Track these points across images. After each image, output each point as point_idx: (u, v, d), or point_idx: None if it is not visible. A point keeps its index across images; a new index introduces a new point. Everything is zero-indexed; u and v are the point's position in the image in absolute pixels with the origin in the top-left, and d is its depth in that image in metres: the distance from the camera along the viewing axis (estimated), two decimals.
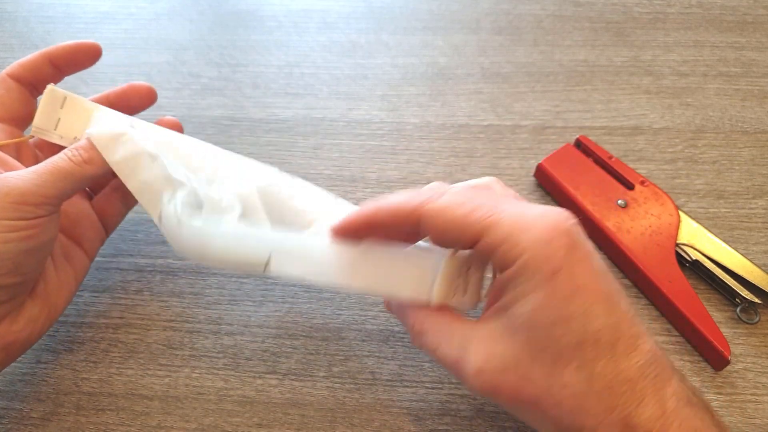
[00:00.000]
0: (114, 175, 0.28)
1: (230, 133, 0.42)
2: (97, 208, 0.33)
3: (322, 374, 0.32)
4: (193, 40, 0.48)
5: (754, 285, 0.33)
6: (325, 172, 0.40)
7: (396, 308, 0.27)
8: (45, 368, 0.32)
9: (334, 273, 0.25)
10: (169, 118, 0.34)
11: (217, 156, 0.31)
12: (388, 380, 0.31)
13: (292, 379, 0.31)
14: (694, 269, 0.34)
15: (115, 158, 0.28)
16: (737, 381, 0.31)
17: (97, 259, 0.34)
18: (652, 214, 0.35)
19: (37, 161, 0.30)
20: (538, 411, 0.21)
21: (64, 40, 0.49)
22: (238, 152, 0.41)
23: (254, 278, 0.35)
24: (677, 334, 0.33)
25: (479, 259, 0.25)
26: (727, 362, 0.31)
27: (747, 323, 0.33)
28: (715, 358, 0.31)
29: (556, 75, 0.45)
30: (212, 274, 0.35)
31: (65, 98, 0.30)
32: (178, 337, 0.33)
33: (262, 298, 0.34)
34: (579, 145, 0.39)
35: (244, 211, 0.28)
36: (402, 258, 0.25)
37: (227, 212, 0.28)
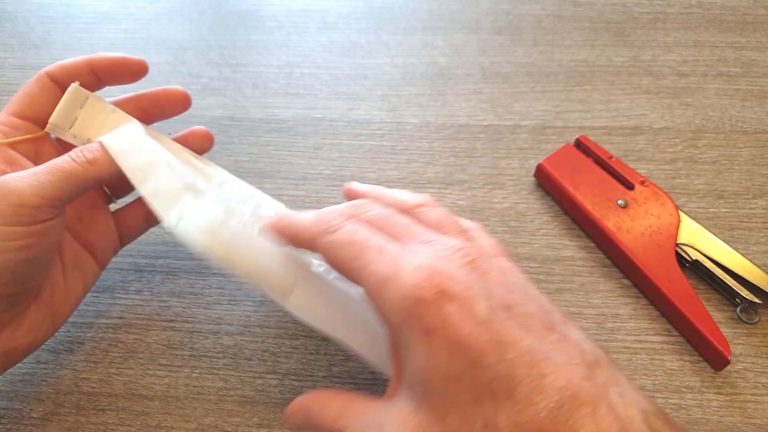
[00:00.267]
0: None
1: (230, 133, 0.42)
2: (118, 217, 0.32)
3: (322, 374, 0.32)
4: (193, 40, 0.48)
5: (754, 285, 0.33)
6: (325, 172, 0.40)
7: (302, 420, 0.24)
8: (45, 368, 0.32)
9: (346, 331, 0.25)
10: (199, 128, 0.34)
11: (236, 183, 0.31)
12: (387, 380, 0.31)
13: (292, 379, 0.31)
14: (694, 269, 0.34)
15: (129, 164, 0.26)
16: (737, 381, 0.31)
17: None
18: (652, 214, 0.35)
19: None
20: None
21: (64, 40, 0.49)
22: (237, 152, 0.41)
23: None
24: (677, 334, 0.33)
25: None
26: (727, 362, 0.31)
27: (747, 323, 0.33)
28: (715, 358, 0.31)
29: (556, 75, 0.45)
30: (212, 274, 0.35)
31: (87, 98, 0.29)
32: (178, 337, 0.33)
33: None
34: (579, 145, 0.39)
35: None
36: None
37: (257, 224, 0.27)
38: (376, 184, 0.39)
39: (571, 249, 0.36)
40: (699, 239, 0.34)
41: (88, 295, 0.34)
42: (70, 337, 0.33)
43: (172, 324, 0.33)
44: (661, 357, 0.32)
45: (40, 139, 0.29)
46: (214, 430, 0.30)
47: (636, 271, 0.34)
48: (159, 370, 0.32)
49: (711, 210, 0.37)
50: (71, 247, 0.29)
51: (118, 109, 0.30)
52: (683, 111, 0.43)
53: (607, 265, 0.35)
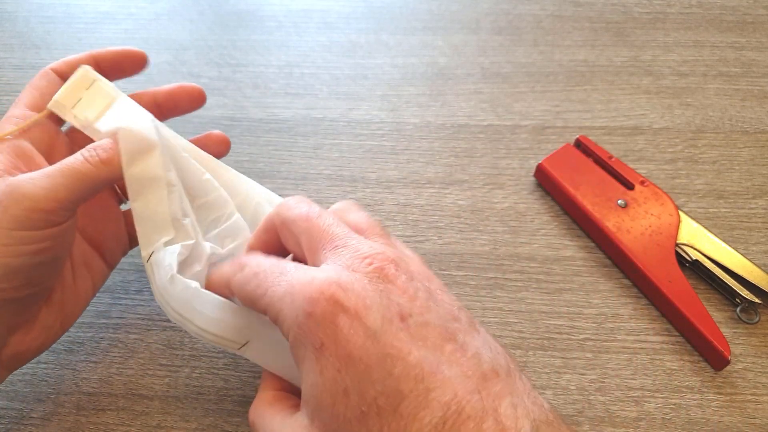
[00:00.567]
0: None
1: (230, 133, 0.42)
2: (129, 217, 0.31)
3: None
4: (193, 40, 0.48)
5: (754, 285, 0.33)
6: (325, 172, 0.40)
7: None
8: (45, 368, 0.32)
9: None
10: (217, 133, 0.33)
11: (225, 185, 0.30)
12: None
13: None
14: (694, 269, 0.34)
15: (132, 170, 0.25)
16: (737, 381, 0.31)
17: None
18: (652, 214, 0.35)
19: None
20: None
21: (64, 40, 0.49)
22: (237, 152, 0.41)
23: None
24: (677, 334, 0.33)
25: None
26: (727, 362, 0.31)
27: (747, 323, 0.33)
28: (715, 358, 0.31)
29: (556, 75, 0.45)
30: None
31: (94, 81, 0.28)
32: (178, 337, 0.33)
33: None
34: (579, 145, 0.39)
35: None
36: None
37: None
38: (376, 184, 0.39)
39: (571, 249, 0.36)
40: (699, 239, 0.34)
41: None
42: (70, 337, 0.33)
43: (172, 324, 0.33)
44: (661, 357, 0.32)
45: (53, 132, 0.28)
46: (214, 430, 0.30)
47: (636, 271, 0.34)
48: (159, 370, 0.32)
49: (711, 210, 0.37)
50: (80, 247, 0.29)
51: (124, 95, 0.29)
52: (683, 111, 0.43)
53: (607, 265, 0.35)
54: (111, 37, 0.49)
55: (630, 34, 0.48)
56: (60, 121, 0.29)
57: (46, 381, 0.31)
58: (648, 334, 0.33)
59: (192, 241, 0.26)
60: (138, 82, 0.46)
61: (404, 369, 0.18)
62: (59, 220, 0.24)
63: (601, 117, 0.42)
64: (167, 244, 0.26)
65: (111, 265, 0.31)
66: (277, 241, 0.25)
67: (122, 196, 0.33)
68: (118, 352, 0.32)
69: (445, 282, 0.24)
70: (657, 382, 0.31)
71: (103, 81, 0.29)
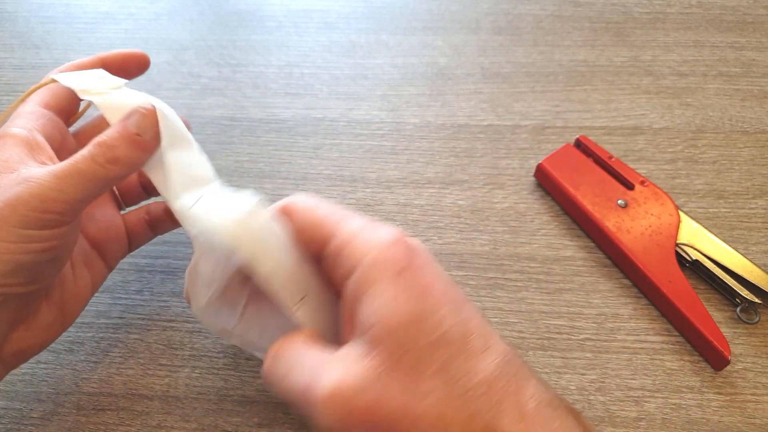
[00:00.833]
0: (142, 182, 0.27)
1: (230, 133, 0.42)
2: (127, 222, 0.32)
3: None
4: (193, 40, 0.48)
5: (754, 285, 0.33)
6: (324, 172, 0.40)
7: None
8: (45, 368, 0.32)
9: None
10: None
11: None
12: None
13: None
14: (694, 269, 0.34)
15: (165, 126, 0.25)
16: (737, 381, 0.31)
17: None
18: (652, 214, 0.35)
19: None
20: None
21: (64, 40, 0.49)
22: (237, 152, 0.41)
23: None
24: (677, 334, 0.33)
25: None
26: (727, 362, 0.31)
27: (747, 323, 0.33)
28: (715, 358, 0.31)
29: (556, 75, 0.45)
30: None
31: (119, 86, 0.28)
32: (178, 337, 0.33)
33: None
34: (579, 145, 0.39)
35: None
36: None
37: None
38: (376, 184, 0.39)
39: (571, 249, 0.36)
40: (699, 239, 0.34)
41: None
42: (70, 337, 0.33)
43: (172, 324, 0.33)
44: (661, 357, 0.32)
45: (63, 130, 0.28)
46: (214, 430, 0.30)
47: (636, 271, 0.34)
48: (159, 370, 0.32)
49: (711, 210, 0.37)
50: (82, 246, 0.29)
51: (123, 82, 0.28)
52: (683, 111, 0.43)
53: (607, 265, 0.35)
54: (111, 37, 0.49)
55: (630, 34, 0.48)
56: (68, 120, 0.29)
57: (46, 381, 0.31)
58: (648, 334, 0.33)
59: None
60: (138, 81, 0.46)
61: (471, 313, 0.20)
62: (67, 220, 0.24)
63: (601, 117, 0.42)
64: (209, 192, 0.25)
65: (110, 266, 0.31)
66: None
67: (121, 201, 0.33)
68: (118, 352, 0.32)
69: None
70: (657, 382, 0.31)
71: (127, 89, 0.28)
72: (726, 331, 0.32)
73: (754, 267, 0.33)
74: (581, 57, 0.46)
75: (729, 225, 0.37)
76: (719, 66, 0.45)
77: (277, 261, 0.23)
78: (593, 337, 0.33)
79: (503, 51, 0.47)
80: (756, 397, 0.31)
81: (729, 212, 0.37)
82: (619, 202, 0.36)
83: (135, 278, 0.35)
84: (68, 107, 0.29)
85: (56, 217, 0.23)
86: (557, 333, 0.33)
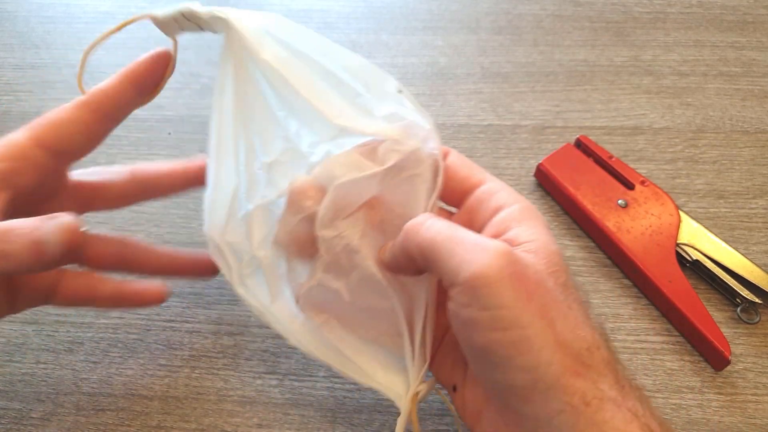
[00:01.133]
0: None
1: None
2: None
3: (322, 374, 0.32)
4: (192, 40, 0.48)
5: (754, 285, 0.33)
6: None
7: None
8: (45, 368, 0.32)
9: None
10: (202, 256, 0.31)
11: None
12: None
13: (292, 380, 0.31)
14: (695, 269, 0.34)
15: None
16: (737, 381, 0.31)
17: None
18: (652, 214, 0.35)
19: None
20: (523, 338, 0.20)
21: (64, 40, 0.49)
22: None
23: None
24: (677, 334, 0.33)
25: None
26: (728, 362, 0.31)
27: (747, 323, 0.33)
28: (715, 358, 0.31)
29: (556, 75, 0.45)
30: None
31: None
32: (178, 337, 0.33)
33: None
34: (579, 145, 0.39)
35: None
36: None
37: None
38: None
39: (571, 249, 0.36)
40: (699, 239, 0.34)
41: None
42: (70, 337, 0.33)
43: (172, 324, 0.33)
44: (662, 357, 0.32)
45: (62, 176, 0.27)
46: (214, 430, 0.30)
47: (636, 271, 0.34)
48: (159, 370, 0.32)
49: (711, 210, 0.37)
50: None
51: None
52: (683, 111, 0.43)
53: (607, 265, 0.35)
54: (111, 36, 0.48)
55: (630, 33, 0.48)
56: (67, 165, 0.27)
57: (45, 381, 0.31)
58: (648, 334, 0.33)
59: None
60: None
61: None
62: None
63: (602, 117, 0.42)
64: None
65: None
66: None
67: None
68: (118, 352, 0.32)
69: None
70: (657, 382, 0.31)
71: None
72: (726, 331, 0.32)
73: (755, 267, 0.33)
74: (581, 57, 0.46)
75: (729, 225, 0.37)
76: (720, 66, 0.45)
77: None
78: None
79: (503, 51, 0.47)
80: (756, 398, 0.31)
81: (729, 212, 0.37)
82: (620, 202, 0.36)
83: (135, 278, 0.35)
84: (68, 140, 0.26)
85: None
86: None
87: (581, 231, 0.37)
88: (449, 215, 0.27)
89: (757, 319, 0.33)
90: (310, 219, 0.24)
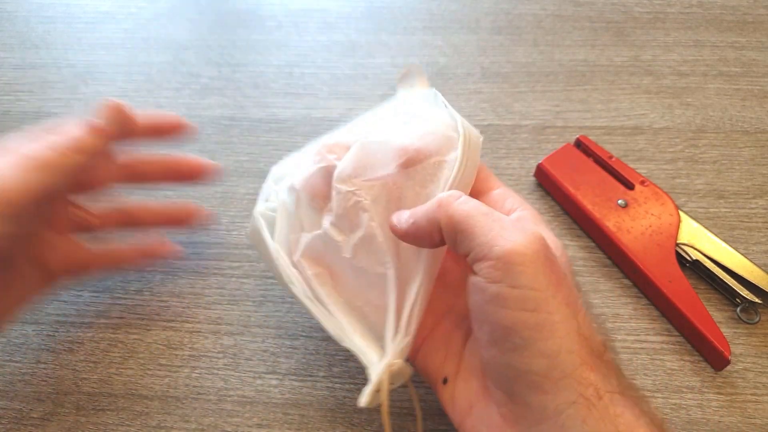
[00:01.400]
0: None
1: (230, 133, 0.42)
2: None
3: (322, 374, 0.32)
4: (193, 40, 0.48)
5: (754, 285, 0.33)
6: None
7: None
8: (45, 368, 0.32)
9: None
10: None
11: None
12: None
13: (292, 379, 0.31)
14: (694, 269, 0.34)
15: None
16: (737, 381, 0.31)
17: None
18: (652, 214, 0.35)
19: None
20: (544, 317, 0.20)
21: (64, 40, 0.49)
22: (237, 152, 0.41)
23: (254, 278, 0.35)
24: (677, 334, 0.33)
25: None
26: (728, 362, 0.31)
27: (747, 323, 0.33)
28: (715, 358, 0.31)
29: (556, 75, 0.45)
30: (212, 274, 0.35)
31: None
32: (178, 337, 0.33)
33: (262, 298, 0.34)
34: (579, 145, 0.39)
35: None
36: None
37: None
38: None
39: (571, 249, 0.36)
40: (699, 239, 0.34)
41: (88, 295, 0.34)
42: (70, 337, 0.33)
43: (172, 324, 0.33)
44: (661, 357, 0.32)
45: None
46: (214, 430, 0.30)
47: (636, 271, 0.34)
48: (159, 370, 0.32)
49: (711, 210, 0.37)
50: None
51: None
52: (683, 111, 0.43)
53: (607, 265, 0.35)
54: (111, 36, 0.49)
55: (630, 33, 0.48)
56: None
57: (46, 381, 0.31)
58: (648, 334, 0.33)
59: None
60: (138, 81, 0.46)
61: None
62: (29, 213, 0.25)
63: (602, 117, 0.42)
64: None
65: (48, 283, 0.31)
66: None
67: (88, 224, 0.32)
68: (118, 352, 0.32)
69: None
70: (657, 382, 0.31)
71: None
72: (726, 331, 0.32)
73: (755, 267, 0.33)
74: (581, 57, 0.46)
75: (729, 225, 0.37)
76: (719, 66, 0.45)
77: None
78: None
79: (503, 51, 0.47)
80: (756, 397, 0.31)
81: (729, 212, 0.37)
82: (620, 202, 0.36)
83: (135, 278, 0.35)
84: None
85: (18, 211, 0.25)
86: None
87: (581, 231, 0.37)
88: None
89: (757, 319, 0.33)
90: (329, 172, 0.26)
